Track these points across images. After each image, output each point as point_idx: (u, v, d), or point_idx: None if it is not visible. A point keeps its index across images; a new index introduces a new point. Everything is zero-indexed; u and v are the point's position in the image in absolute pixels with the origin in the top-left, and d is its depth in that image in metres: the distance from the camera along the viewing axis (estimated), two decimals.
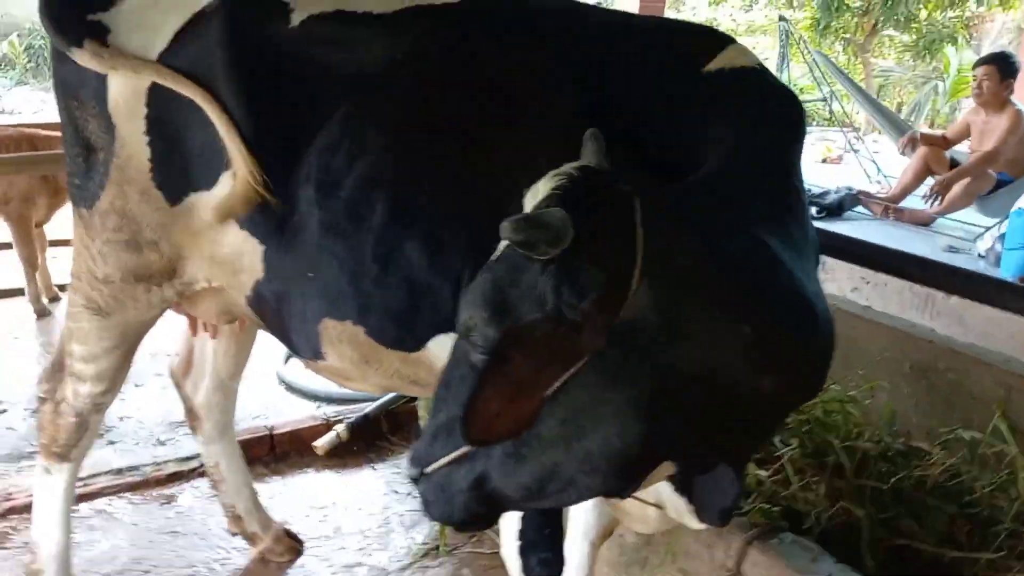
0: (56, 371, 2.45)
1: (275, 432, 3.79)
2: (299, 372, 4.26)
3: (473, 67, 1.90)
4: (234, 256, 2.07)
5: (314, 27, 1.96)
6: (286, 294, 2.03)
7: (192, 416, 2.96)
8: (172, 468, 3.59)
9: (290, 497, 3.54)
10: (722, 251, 1.46)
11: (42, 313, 5.16)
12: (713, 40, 1.85)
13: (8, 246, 5.28)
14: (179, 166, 2.05)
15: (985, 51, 15.91)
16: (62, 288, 5.41)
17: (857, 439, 2.82)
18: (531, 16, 2.00)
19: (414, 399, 3.90)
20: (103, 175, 2.10)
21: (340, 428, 3.79)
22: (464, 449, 1.44)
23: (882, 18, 12.25)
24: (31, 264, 5.15)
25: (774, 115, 1.74)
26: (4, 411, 4.01)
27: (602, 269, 1.31)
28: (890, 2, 11.92)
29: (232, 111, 1.94)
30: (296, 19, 1.97)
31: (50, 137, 4.73)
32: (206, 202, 2.04)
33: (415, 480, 1.54)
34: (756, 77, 1.78)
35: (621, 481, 1.52)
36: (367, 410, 3.91)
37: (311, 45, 1.96)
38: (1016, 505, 2.46)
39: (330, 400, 4.19)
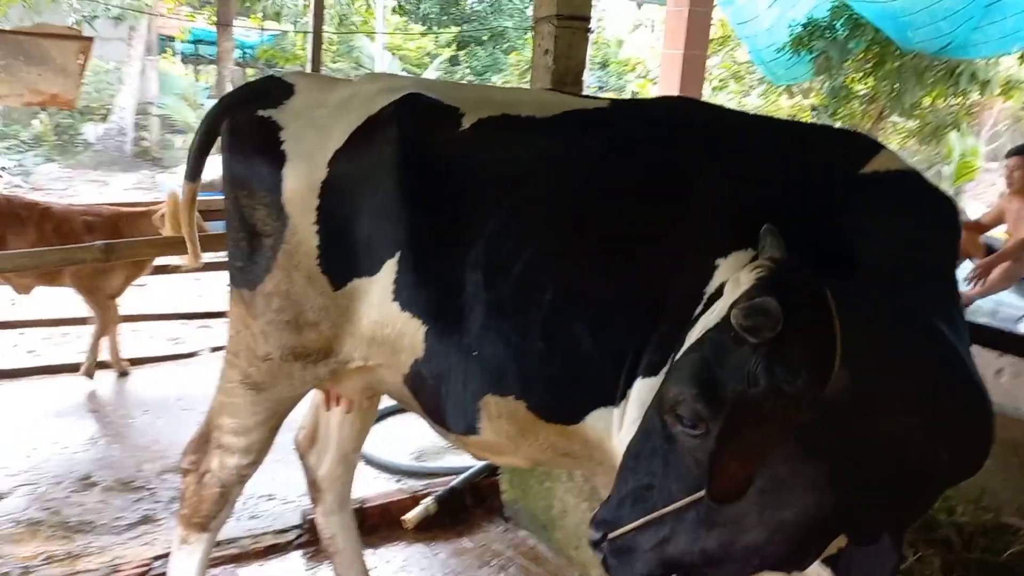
0: (202, 444, 2.53)
1: (366, 506, 3.87)
2: (377, 446, 4.37)
3: (627, 163, 2.07)
4: (395, 336, 2.19)
5: (483, 129, 2.18)
6: (446, 372, 2.13)
7: (315, 488, 3.05)
8: (270, 540, 3.65)
9: (385, 571, 3.60)
10: (906, 336, 1.62)
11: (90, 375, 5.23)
12: (865, 145, 2.00)
13: (82, 320, 5.42)
14: (345, 253, 2.20)
15: (984, 136, 16.49)
16: (131, 362, 5.54)
17: (952, 514, 2.94)
18: (677, 117, 2.19)
19: (495, 472, 4.01)
20: (270, 259, 2.25)
21: (429, 502, 3.87)
22: (659, 513, 1.57)
23: (888, 106, 12.63)
24: (101, 335, 5.26)
25: (932, 214, 1.88)
26: (95, 484, 4.08)
27: (810, 352, 1.47)
28: (896, 91, 12.32)
29: (402, 204, 2.13)
30: (467, 122, 2.19)
31: (136, 215, 4.92)
32: (368, 287, 2.20)
33: (596, 544, 1.66)
34: (913, 180, 1.91)
35: (805, 552, 1.62)
36: (453, 484, 4.00)
37: (480, 145, 2.17)
38: None
39: (411, 474, 4.28)
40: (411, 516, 3.82)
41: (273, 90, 2.37)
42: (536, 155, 2.13)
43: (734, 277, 1.63)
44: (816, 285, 1.54)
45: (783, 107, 14.18)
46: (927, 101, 12.60)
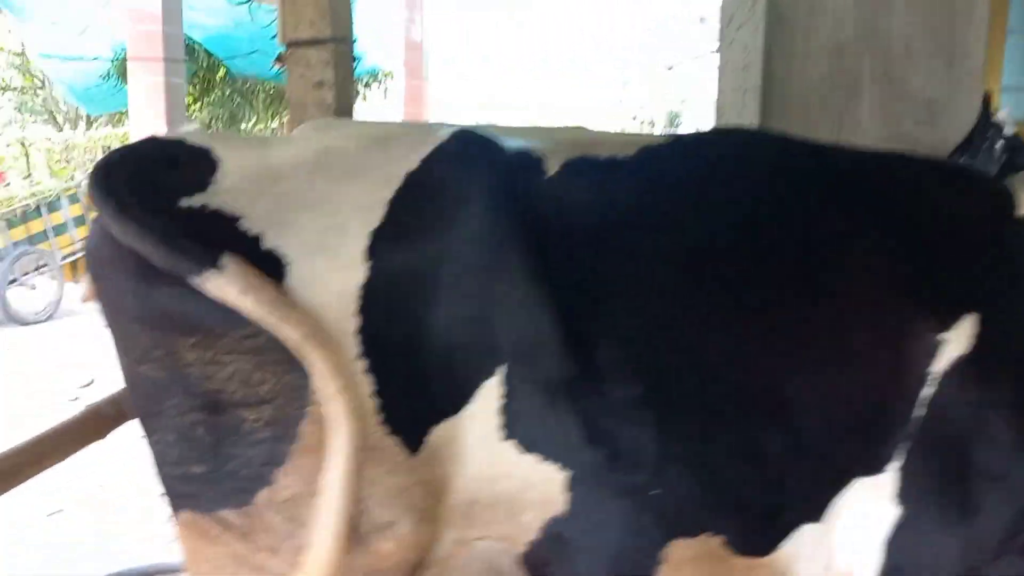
0: None
1: None
2: None
3: (770, 223, 1.64)
4: (515, 492, 1.55)
5: (575, 176, 1.60)
6: (603, 525, 1.58)
7: None
8: None
9: None
10: None
11: None
12: (998, 186, 1.82)
13: None
14: (414, 389, 1.47)
15: None
16: None
17: None
18: (777, 156, 1.76)
19: None
20: (276, 441, 1.40)
21: None
22: None
23: (223, 130, 12.59)
24: None
25: None
26: None
27: None
28: (230, 115, 12.32)
29: (505, 292, 1.49)
30: (551, 167, 1.59)
31: None
32: (455, 432, 1.50)
33: None
34: None
35: None
36: None
37: (584, 198, 1.60)
38: None
39: None
40: None
41: (181, 160, 1.52)
42: (660, 211, 1.63)
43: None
44: None
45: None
46: (263, 125, 12.92)
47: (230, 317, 1.38)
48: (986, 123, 3.52)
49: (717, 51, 4.63)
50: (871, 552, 1.60)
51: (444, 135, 1.58)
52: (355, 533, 1.42)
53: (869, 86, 3.82)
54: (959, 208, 1.69)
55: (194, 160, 1.51)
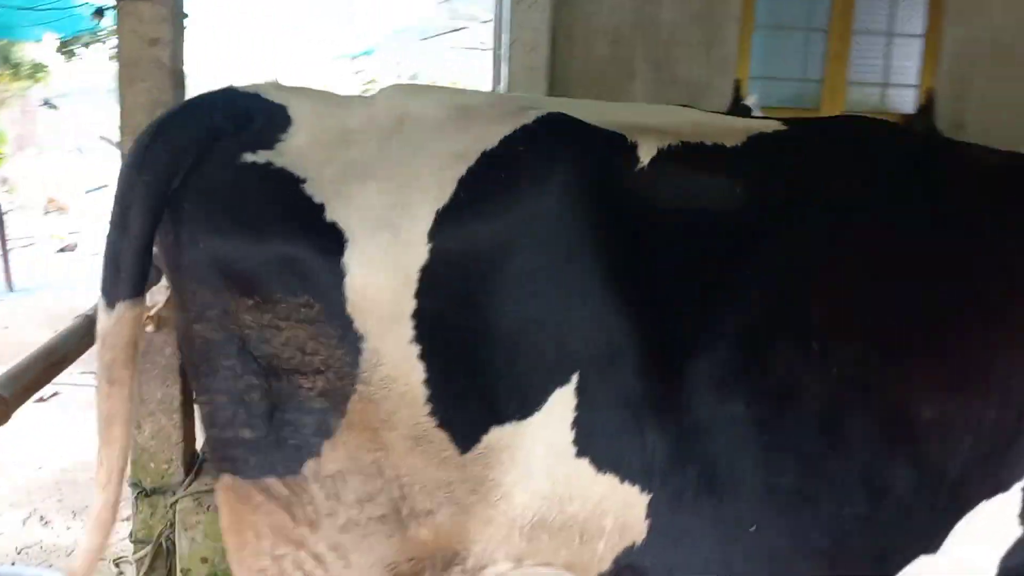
0: None
1: None
2: None
3: (908, 227, 1.47)
4: (587, 516, 1.38)
5: (672, 166, 1.42)
6: (688, 561, 1.41)
7: None
8: None
9: None
10: None
11: None
12: None
13: None
14: (473, 387, 1.34)
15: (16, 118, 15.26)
16: None
17: None
18: (911, 147, 1.62)
19: None
20: (327, 416, 1.32)
21: None
22: None
23: None
24: None
25: None
26: None
27: None
28: None
29: (585, 291, 1.34)
30: (644, 156, 1.40)
31: None
32: (518, 439, 1.35)
33: None
34: None
35: None
36: None
37: (680, 190, 1.42)
38: None
39: None
40: None
41: (255, 115, 1.39)
42: (768, 207, 1.44)
43: None
44: None
45: None
46: None
47: (288, 282, 1.30)
48: (737, 106, 4.11)
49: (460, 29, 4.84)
50: (986, 572, 1.47)
51: (531, 116, 1.40)
52: (394, 516, 1.36)
53: (642, 69, 4.29)
54: None
55: (267, 115, 1.40)
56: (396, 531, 1.35)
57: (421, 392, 1.31)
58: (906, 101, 4.66)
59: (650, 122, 1.48)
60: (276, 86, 1.45)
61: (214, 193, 1.32)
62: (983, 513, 1.40)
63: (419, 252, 1.29)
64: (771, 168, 1.46)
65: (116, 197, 1.32)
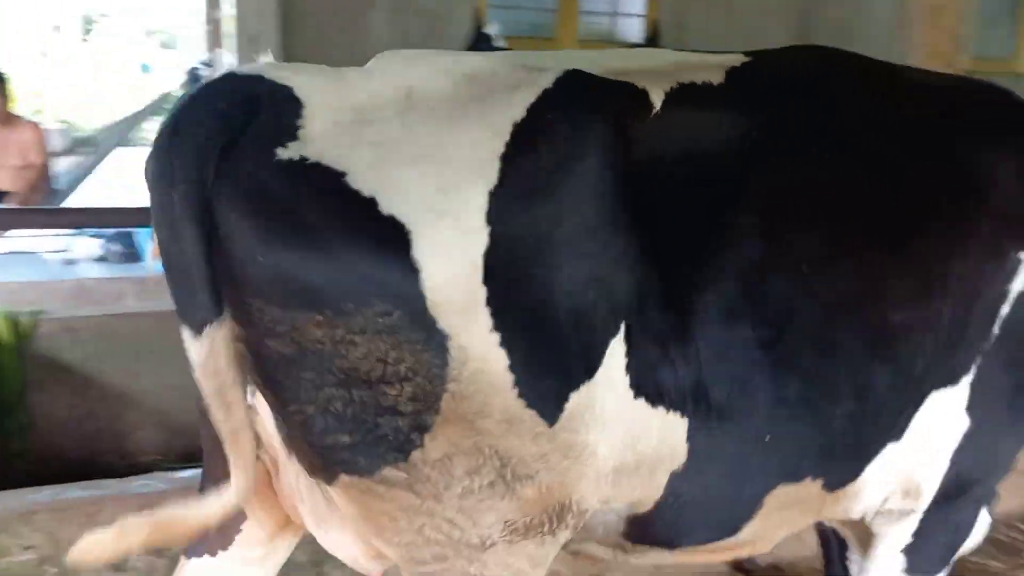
0: None
1: None
2: None
3: (879, 150, 1.60)
4: (653, 451, 1.49)
5: (680, 109, 1.48)
6: (719, 475, 1.56)
7: None
8: None
9: None
10: None
11: None
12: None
13: None
14: (548, 359, 1.38)
15: None
16: None
17: None
18: (872, 72, 1.73)
19: None
20: (421, 416, 1.34)
21: None
22: None
23: None
24: None
25: None
26: None
27: None
28: None
29: (626, 246, 1.41)
30: (656, 101, 1.45)
31: None
32: (591, 398, 1.43)
33: None
34: None
35: None
36: None
37: (692, 132, 1.49)
38: None
39: None
40: None
41: (262, 100, 1.29)
42: (767, 143, 1.53)
43: None
44: None
45: None
46: None
47: (359, 291, 1.24)
48: (478, 35, 4.11)
49: None
50: (941, 463, 1.64)
51: (548, 80, 1.40)
52: (501, 481, 1.39)
53: (382, 0, 4.16)
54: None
55: (278, 101, 1.29)
56: (506, 493, 1.40)
57: (507, 379, 1.32)
58: (635, 30, 4.93)
59: (643, 66, 1.53)
60: (273, 65, 1.34)
61: (260, 200, 1.25)
62: (937, 403, 1.59)
63: (481, 237, 1.27)
64: (755, 102, 1.54)
65: (156, 218, 1.25)
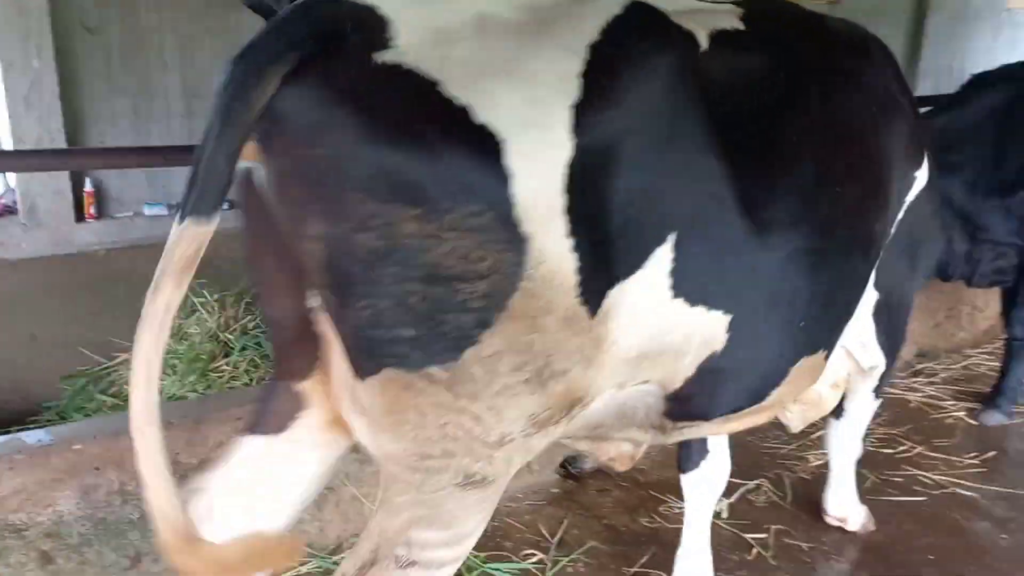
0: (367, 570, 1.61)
1: None
2: None
3: (846, 84, 2.02)
4: (681, 341, 1.70)
5: (726, 50, 1.72)
6: (759, 354, 1.87)
7: None
8: None
9: None
10: None
11: None
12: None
13: None
14: (600, 261, 1.49)
15: None
16: None
17: None
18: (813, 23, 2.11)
19: None
20: (489, 311, 1.41)
21: None
22: None
23: None
24: None
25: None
26: None
27: None
28: None
29: (685, 162, 1.60)
30: (703, 42, 1.67)
31: None
32: (621, 295, 1.56)
33: None
34: None
35: None
36: None
37: (741, 71, 1.74)
38: None
39: None
40: None
41: (351, 19, 1.37)
42: (781, 79, 1.83)
43: None
44: None
45: None
46: None
47: (456, 191, 1.31)
48: None
49: None
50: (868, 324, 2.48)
51: (617, 7, 1.54)
52: (536, 378, 1.48)
53: None
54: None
55: (364, 19, 1.35)
56: (537, 389, 1.49)
57: (574, 280, 1.43)
58: None
59: (677, 8, 1.69)
60: None
61: (365, 99, 1.31)
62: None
63: (564, 149, 1.38)
64: (767, 44, 1.84)
65: (211, 121, 1.28)
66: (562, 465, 3.38)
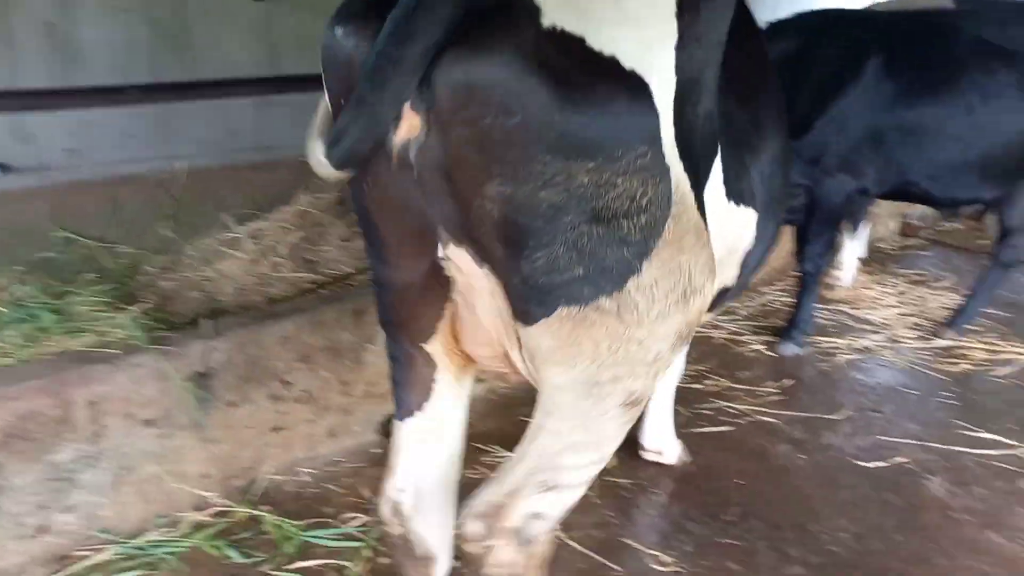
0: (495, 512, 1.71)
1: None
2: None
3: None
4: (735, 239, 2.08)
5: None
6: (766, 242, 2.31)
7: None
8: None
9: None
10: None
11: None
12: None
13: None
14: (699, 176, 1.70)
15: None
16: None
17: None
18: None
19: None
20: (646, 240, 1.54)
21: None
22: None
23: None
24: None
25: None
26: None
27: None
28: None
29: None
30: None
31: None
32: (707, 204, 1.76)
33: None
34: None
35: None
36: None
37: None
38: None
39: None
40: None
41: None
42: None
43: None
44: None
45: None
46: None
47: (628, 138, 1.44)
48: None
49: None
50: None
51: None
52: (683, 297, 1.61)
53: None
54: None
55: None
56: (683, 307, 1.62)
57: (693, 196, 1.59)
58: None
59: None
60: None
61: (547, 66, 1.38)
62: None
63: (672, 86, 1.52)
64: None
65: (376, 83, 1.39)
66: (383, 425, 3.28)
